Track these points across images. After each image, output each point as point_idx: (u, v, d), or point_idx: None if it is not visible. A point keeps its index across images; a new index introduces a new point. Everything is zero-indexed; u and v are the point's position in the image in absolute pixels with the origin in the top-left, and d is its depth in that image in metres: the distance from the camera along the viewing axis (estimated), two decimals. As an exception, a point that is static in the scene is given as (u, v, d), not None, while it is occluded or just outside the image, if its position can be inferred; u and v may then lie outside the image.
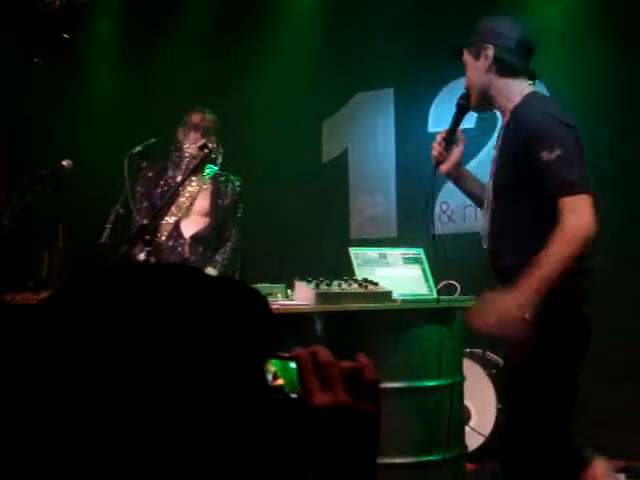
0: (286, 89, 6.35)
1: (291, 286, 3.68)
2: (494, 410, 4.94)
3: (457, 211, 5.89)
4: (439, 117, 5.97)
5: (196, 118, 4.50)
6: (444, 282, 4.06)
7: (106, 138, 6.04)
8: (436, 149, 3.04)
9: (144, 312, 0.77)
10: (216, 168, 4.37)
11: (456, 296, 4.02)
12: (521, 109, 2.81)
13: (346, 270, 3.79)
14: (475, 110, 3.08)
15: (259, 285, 3.69)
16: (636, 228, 4.88)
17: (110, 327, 0.75)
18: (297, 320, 3.53)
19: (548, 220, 2.61)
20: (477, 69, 2.92)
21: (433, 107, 5.97)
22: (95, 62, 6.74)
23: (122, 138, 5.03)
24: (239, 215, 4.61)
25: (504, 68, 2.87)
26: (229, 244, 4.52)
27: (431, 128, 5.99)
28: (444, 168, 3.04)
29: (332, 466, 0.88)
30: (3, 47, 5.96)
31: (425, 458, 3.55)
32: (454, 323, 3.76)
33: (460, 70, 5.79)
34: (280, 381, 0.93)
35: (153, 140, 4.20)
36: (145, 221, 3.72)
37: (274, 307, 3.38)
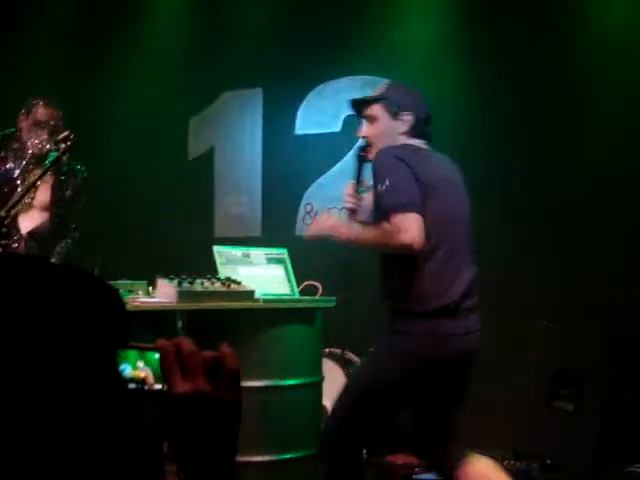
0: (154, 85, 6.28)
1: (153, 283, 3.64)
2: (351, 409, 5.03)
3: (321, 212, 5.96)
4: (306, 120, 6.03)
5: (42, 115, 4.27)
6: (306, 283, 4.13)
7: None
8: (351, 201, 3.18)
9: None
10: (54, 154, 4.18)
11: (317, 297, 4.09)
12: None
13: (210, 268, 3.78)
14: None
15: (120, 281, 3.64)
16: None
17: None
18: (159, 318, 3.50)
19: None
20: (391, 128, 3.14)
21: (301, 109, 6.03)
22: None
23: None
24: (81, 206, 4.41)
25: (415, 135, 3.15)
26: (69, 238, 4.33)
27: (298, 130, 6.05)
28: (362, 217, 3.17)
29: (193, 452, 0.89)
30: None
31: (283, 456, 3.59)
32: (315, 323, 3.82)
33: (328, 74, 5.93)
34: (143, 373, 0.97)
35: (13, 129, 4.06)
36: (2, 213, 3.58)
37: (135, 304, 3.35)
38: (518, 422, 4.72)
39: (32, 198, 4.27)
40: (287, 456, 3.60)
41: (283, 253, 4.05)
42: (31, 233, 4.27)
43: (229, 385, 0.93)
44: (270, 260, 4.00)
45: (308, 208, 5.99)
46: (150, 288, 3.68)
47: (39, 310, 0.77)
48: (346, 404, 3.07)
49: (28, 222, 4.28)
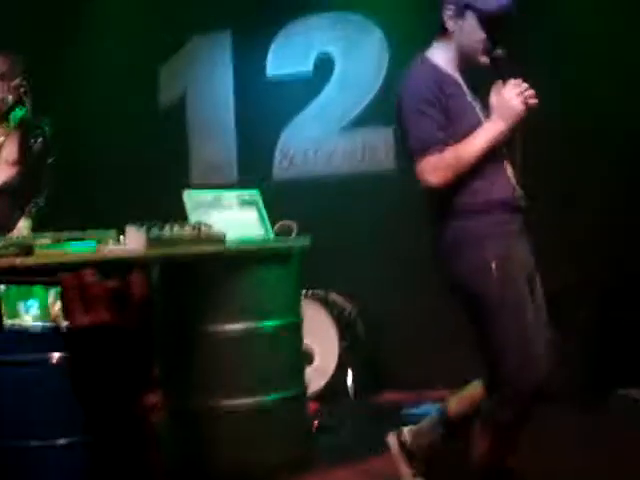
0: (121, 32, 6.12)
1: (124, 232, 3.57)
2: (337, 351, 5.01)
3: (297, 155, 5.88)
4: (278, 60, 5.90)
5: None
6: (281, 223, 4.06)
7: None
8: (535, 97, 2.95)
9: None
10: (22, 112, 4.07)
11: (293, 236, 4.03)
12: None
13: (185, 216, 3.71)
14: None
15: (91, 231, 3.57)
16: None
17: None
18: (131, 267, 3.44)
19: None
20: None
21: (271, 50, 5.90)
22: None
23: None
24: (50, 161, 4.31)
25: None
26: (42, 193, 4.24)
27: (270, 72, 5.92)
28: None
29: (96, 387, 0.86)
30: None
31: (264, 398, 3.57)
32: (291, 263, 3.78)
33: (296, 12, 5.77)
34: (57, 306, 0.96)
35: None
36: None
37: (104, 253, 3.28)
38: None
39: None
40: (268, 398, 3.58)
41: (255, 194, 3.98)
42: (1, 188, 4.18)
43: (135, 312, 0.89)
44: (242, 202, 3.93)
45: (285, 150, 5.90)
46: (122, 237, 3.61)
47: None
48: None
49: None
